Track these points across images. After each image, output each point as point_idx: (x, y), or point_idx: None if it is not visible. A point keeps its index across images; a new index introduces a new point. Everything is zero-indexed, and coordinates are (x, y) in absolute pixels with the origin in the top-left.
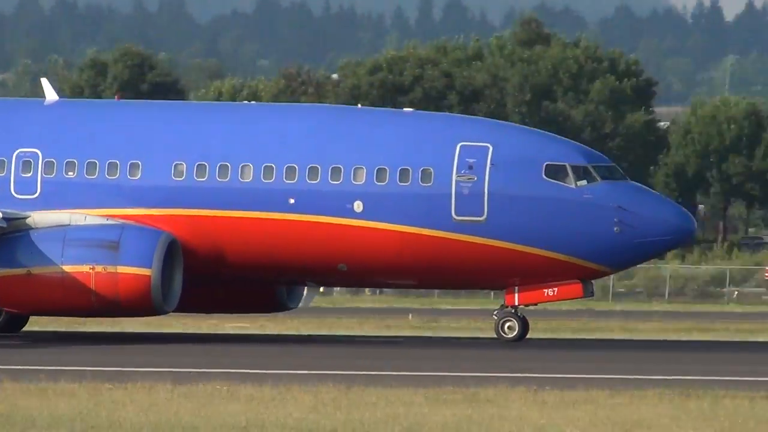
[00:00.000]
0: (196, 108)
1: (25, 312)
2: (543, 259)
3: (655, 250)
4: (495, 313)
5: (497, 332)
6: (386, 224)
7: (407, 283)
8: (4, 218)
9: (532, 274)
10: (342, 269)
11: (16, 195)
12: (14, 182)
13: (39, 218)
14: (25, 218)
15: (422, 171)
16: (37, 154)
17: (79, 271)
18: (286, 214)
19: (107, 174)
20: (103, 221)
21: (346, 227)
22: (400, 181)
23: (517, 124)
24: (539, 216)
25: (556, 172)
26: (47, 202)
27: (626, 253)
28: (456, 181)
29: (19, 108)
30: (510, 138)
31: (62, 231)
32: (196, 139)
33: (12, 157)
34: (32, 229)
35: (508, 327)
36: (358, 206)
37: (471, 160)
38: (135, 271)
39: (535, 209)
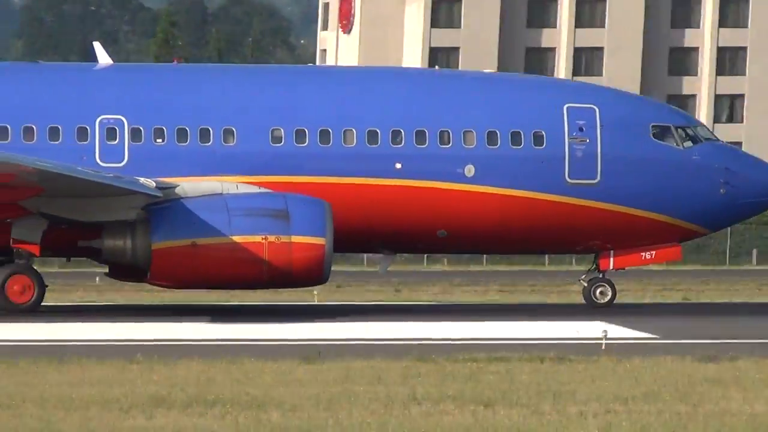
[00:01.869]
0: (288, 71)
1: (187, 287)
2: (648, 221)
3: (752, 211)
4: (582, 278)
5: (588, 297)
6: (496, 188)
7: (505, 248)
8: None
9: (636, 237)
10: (441, 235)
11: (101, 163)
12: (99, 150)
13: (189, 187)
14: (174, 187)
15: (534, 133)
16: (122, 121)
17: (251, 241)
18: (392, 180)
19: (200, 141)
20: (258, 189)
21: (452, 192)
22: (512, 145)
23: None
24: (649, 178)
25: (662, 133)
26: (135, 170)
27: (728, 214)
28: (569, 143)
29: (87, 72)
30: (612, 99)
31: (221, 200)
32: (293, 104)
33: (95, 124)
34: (185, 198)
35: (600, 292)
36: (469, 171)
37: (581, 122)
38: (309, 240)
39: (645, 171)
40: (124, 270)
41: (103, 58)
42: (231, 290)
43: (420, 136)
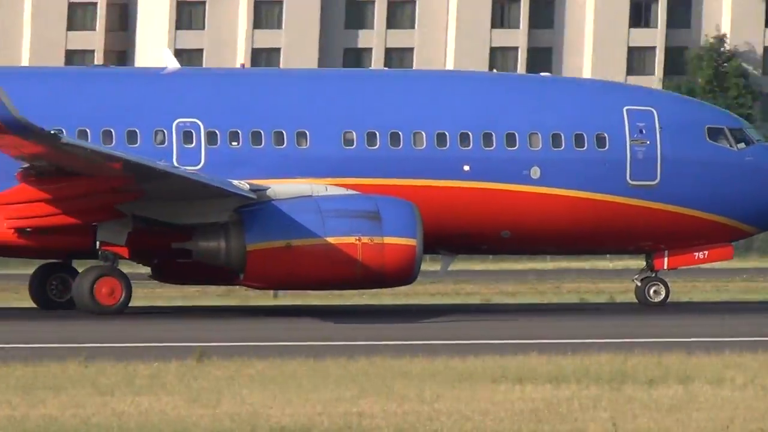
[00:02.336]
0: (360, 75)
1: (281, 287)
2: (705, 221)
3: None
4: (636, 277)
5: (642, 297)
6: (560, 190)
7: (566, 248)
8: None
9: (691, 237)
10: (505, 236)
11: (178, 166)
12: (176, 153)
13: (279, 189)
14: (266, 189)
15: (596, 136)
16: (198, 124)
17: (345, 242)
18: (459, 182)
19: (274, 143)
20: (347, 191)
21: (517, 193)
22: (576, 147)
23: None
24: (705, 179)
25: (716, 135)
26: (211, 172)
27: None
28: (630, 145)
29: (162, 76)
30: (668, 102)
31: (313, 201)
32: (364, 107)
33: (172, 127)
34: (276, 200)
35: (654, 291)
36: (535, 172)
37: (640, 124)
38: (401, 241)
39: (702, 173)
40: (211, 272)
41: (171, 62)
42: (323, 290)
43: (487, 138)
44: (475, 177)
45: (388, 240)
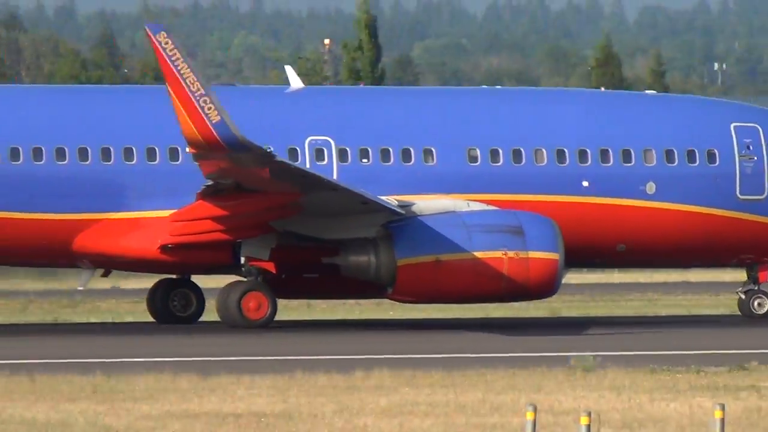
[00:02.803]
0: (482, 93)
1: (428, 301)
2: None
3: None
4: (739, 290)
5: (746, 309)
6: (674, 204)
7: (678, 262)
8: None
9: None
10: (621, 250)
11: None
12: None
13: (423, 204)
14: (412, 205)
15: (707, 152)
16: (329, 142)
17: (491, 257)
18: (579, 197)
19: (402, 160)
20: (487, 207)
21: (634, 208)
22: (689, 162)
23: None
24: None
25: None
26: None
27: None
28: (739, 160)
29: (290, 95)
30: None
31: (458, 217)
32: (487, 125)
33: (304, 145)
34: (422, 215)
35: (758, 303)
36: (650, 188)
37: (747, 140)
38: (545, 255)
39: None
40: (357, 285)
41: (295, 81)
42: (467, 303)
43: (604, 154)
44: (594, 192)
45: (532, 254)
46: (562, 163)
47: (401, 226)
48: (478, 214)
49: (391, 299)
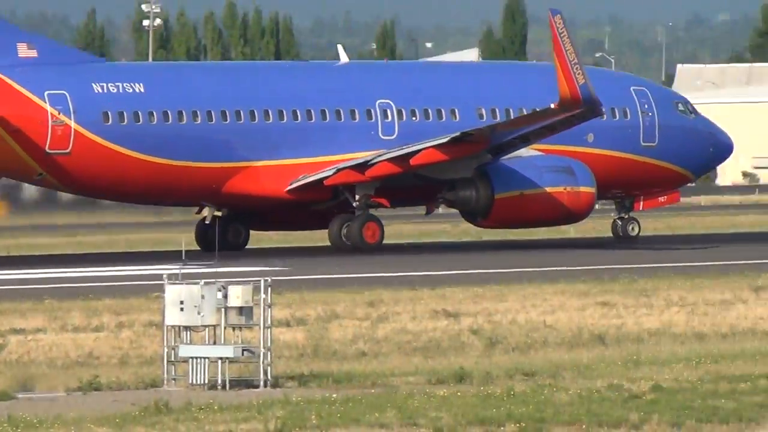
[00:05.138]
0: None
1: (511, 227)
2: (674, 172)
3: (717, 164)
4: (617, 218)
5: (619, 233)
6: (604, 150)
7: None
8: None
9: (664, 185)
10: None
11: (381, 137)
12: (380, 127)
13: None
14: None
15: (622, 109)
16: (391, 104)
17: (557, 191)
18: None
19: (443, 117)
20: (540, 153)
21: (576, 152)
22: (612, 117)
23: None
24: (678, 140)
25: (682, 107)
26: (402, 142)
27: (709, 167)
28: (641, 116)
29: (358, 68)
30: (647, 83)
31: (531, 160)
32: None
33: (375, 105)
34: (504, 160)
35: (631, 228)
36: (590, 137)
37: (643, 100)
38: (588, 190)
39: (677, 135)
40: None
41: (344, 57)
42: (538, 227)
43: None
44: (554, 141)
45: (582, 189)
46: None
47: (495, 167)
48: (543, 158)
49: (480, 227)
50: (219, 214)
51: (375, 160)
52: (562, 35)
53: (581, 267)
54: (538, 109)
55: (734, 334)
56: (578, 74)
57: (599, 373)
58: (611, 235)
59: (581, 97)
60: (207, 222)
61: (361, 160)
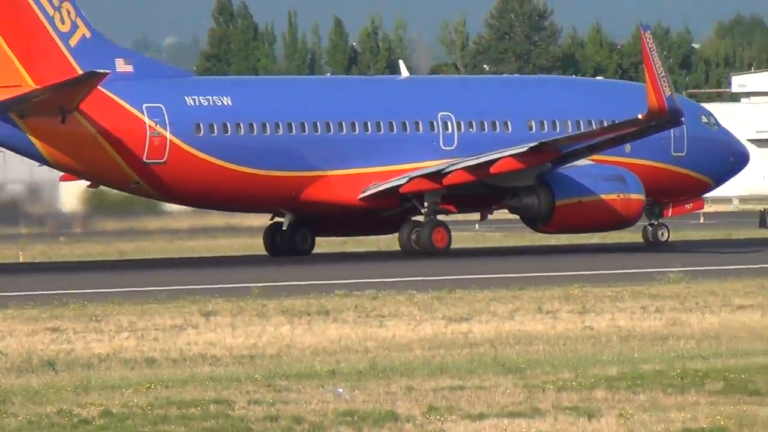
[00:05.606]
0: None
1: (570, 232)
2: (700, 181)
3: (736, 173)
4: (647, 224)
5: (651, 238)
6: (640, 159)
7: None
8: None
9: (691, 192)
10: None
11: (443, 148)
12: (442, 138)
13: None
14: None
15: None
16: (451, 116)
17: (611, 198)
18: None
19: (497, 129)
20: (592, 163)
21: (616, 161)
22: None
23: None
24: (704, 151)
25: (706, 119)
26: (462, 152)
27: (730, 175)
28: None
29: (425, 82)
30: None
31: (585, 169)
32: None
33: (437, 118)
34: (561, 169)
35: (661, 233)
36: (627, 148)
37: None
38: (638, 197)
39: (703, 146)
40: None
41: (404, 72)
42: (593, 233)
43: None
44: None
45: (633, 196)
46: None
47: (554, 176)
48: (596, 167)
49: (541, 232)
50: (282, 220)
51: (450, 169)
52: (651, 50)
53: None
54: (617, 121)
55: (185, 359)
56: (665, 86)
57: (48, 399)
58: (642, 240)
59: (667, 107)
60: (284, 228)
61: (433, 169)
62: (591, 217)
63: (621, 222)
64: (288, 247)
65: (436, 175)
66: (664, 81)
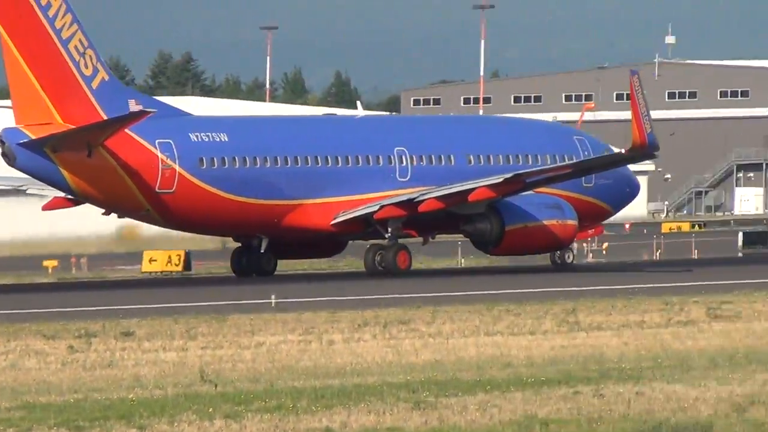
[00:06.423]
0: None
1: (516, 254)
2: (603, 209)
3: (629, 202)
4: None
5: (557, 260)
6: (564, 191)
7: None
8: None
9: (595, 219)
10: None
11: (398, 179)
12: (398, 170)
13: None
14: None
15: (567, 156)
16: (404, 150)
17: (551, 223)
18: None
19: (442, 162)
20: (533, 193)
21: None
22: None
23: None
24: (607, 182)
25: (607, 152)
26: (415, 184)
27: (625, 204)
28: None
29: (382, 121)
30: (584, 134)
31: (529, 198)
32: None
33: (393, 152)
34: (509, 197)
35: (568, 256)
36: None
37: (583, 148)
38: (573, 222)
39: (606, 177)
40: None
41: (360, 110)
42: (533, 255)
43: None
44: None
45: (568, 222)
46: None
47: (504, 203)
48: (537, 196)
49: (491, 254)
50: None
51: (421, 198)
52: (637, 92)
53: None
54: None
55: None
56: (647, 125)
57: None
58: (549, 263)
59: (648, 142)
60: (262, 251)
61: (404, 197)
62: (535, 240)
63: (559, 244)
64: (255, 268)
65: (407, 203)
66: (646, 120)
